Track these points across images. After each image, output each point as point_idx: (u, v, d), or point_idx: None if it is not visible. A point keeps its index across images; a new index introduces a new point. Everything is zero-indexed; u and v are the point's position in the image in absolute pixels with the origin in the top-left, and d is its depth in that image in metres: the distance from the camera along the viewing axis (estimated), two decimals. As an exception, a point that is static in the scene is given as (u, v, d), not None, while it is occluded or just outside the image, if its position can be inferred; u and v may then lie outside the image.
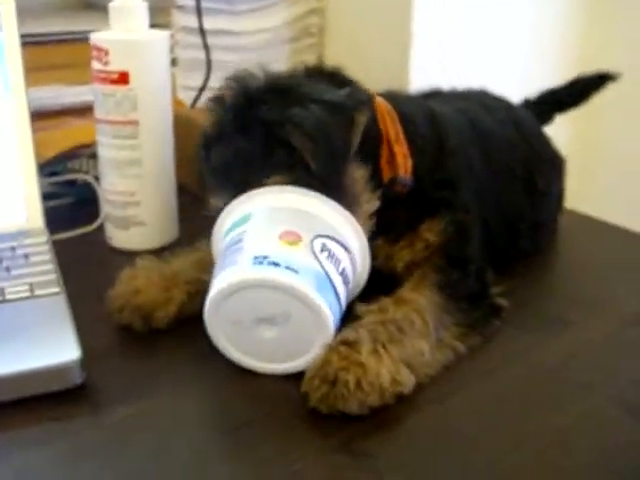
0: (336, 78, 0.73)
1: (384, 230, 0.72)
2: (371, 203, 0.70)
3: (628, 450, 0.56)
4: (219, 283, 0.60)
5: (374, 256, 0.69)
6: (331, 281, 0.61)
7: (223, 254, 0.63)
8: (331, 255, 0.62)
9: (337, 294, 0.61)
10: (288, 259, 0.59)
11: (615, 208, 1.10)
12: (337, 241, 0.63)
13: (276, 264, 0.59)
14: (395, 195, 0.72)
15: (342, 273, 0.63)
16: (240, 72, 0.72)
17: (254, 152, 0.67)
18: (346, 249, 0.64)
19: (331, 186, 0.66)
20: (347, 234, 0.65)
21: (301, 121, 0.66)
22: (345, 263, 0.63)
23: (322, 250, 0.61)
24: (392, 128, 0.73)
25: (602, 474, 0.54)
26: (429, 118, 0.77)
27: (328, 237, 0.63)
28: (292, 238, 0.61)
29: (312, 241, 0.61)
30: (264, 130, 0.67)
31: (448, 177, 0.75)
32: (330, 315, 0.60)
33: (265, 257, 0.59)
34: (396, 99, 0.76)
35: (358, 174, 0.69)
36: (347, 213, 0.64)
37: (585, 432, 0.58)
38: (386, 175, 0.72)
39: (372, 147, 0.71)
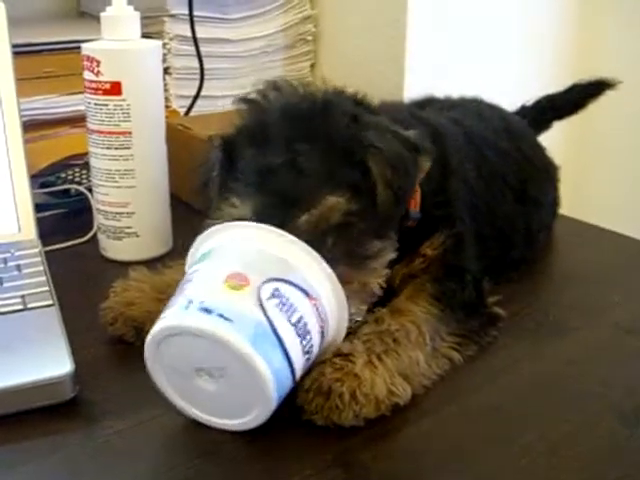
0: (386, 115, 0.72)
1: None
2: (393, 253, 0.68)
3: (624, 459, 0.56)
4: (152, 328, 0.55)
5: None
6: (276, 333, 0.53)
7: (176, 291, 0.58)
8: (283, 302, 0.54)
9: (284, 348, 0.53)
10: (224, 306, 0.53)
11: (610, 214, 1.10)
12: (296, 286, 0.56)
13: (208, 310, 0.52)
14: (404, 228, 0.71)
15: (297, 323, 0.55)
16: (276, 79, 0.71)
17: (316, 162, 0.63)
18: (307, 295, 0.56)
19: (387, 223, 0.66)
20: (313, 278, 0.57)
21: (383, 147, 0.64)
22: (304, 311, 0.55)
23: (272, 297, 0.54)
24: None
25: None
26: (433, 139, 0.75)
27: (283, 281, 0.55)
28: (238, 282, 0.54)
29: (261, 286, 0.54)
30: (334, 144, 0.64)
31: (448, 197, 0.75)
32: (268, 372, 0.52)
33: (200, 302, 0.53)
34: (399, 120, 0.74)
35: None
36: (316, 254, 0.57)
37: (581, 441, 0.58)
38: None
39: None
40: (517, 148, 0.87)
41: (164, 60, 1.15)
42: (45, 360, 0.61)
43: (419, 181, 0.69)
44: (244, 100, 0.71)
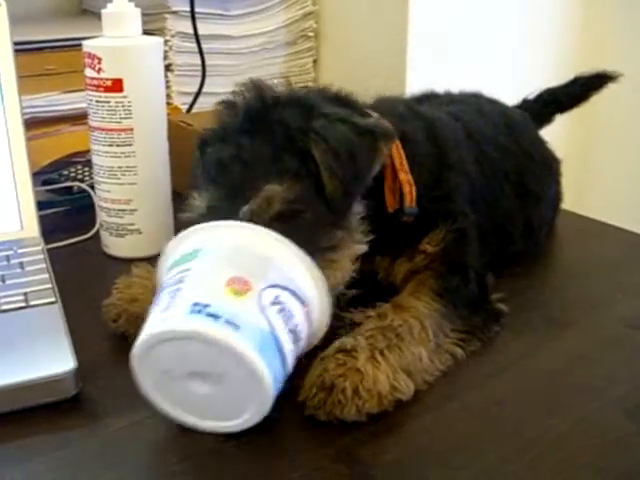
0: (354, 106, 0.71)
1: (384, 248, 0.71)
2: (359, 246, 0.67)
3: (628, 455, 0.56)
4: (149, 328, 0.53)
5: (374, 271, 0.69)
6: (278, 341, 0.53)
7: (161, 291, 0.56)
8: (283, 309, 0.54)
9: (283, 356, 0.54)
10: (231, 311, 0.52)
11: (614, 209, 1.10)
12: (293, 293, 0.55)
13: (215, 316, 0.51)
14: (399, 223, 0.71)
15: (293, 331, 0.55)
16: (256, 80, 0.71)
17: (260, 153, 0.64)
18: (302, 302, 0.56)
19: (336, 211, 0.65)
20: (306, 284, 0.57)
21: (327, 135, 0.64)
22: (298, 319, 0.55)
23: (273, 303, 0.54)
24: (397, 155, 0.70)
25: (602, 477, 0.54)
26: (429, 133, 0.76)
27: (283, 288, 0.55)
28: (240, 286, 0.53)
29: (262, 292, 0.54)
30: (279, 134, 0.65)
31: (447, 191, 0.74)
32: (271, 381, 0.52)
33: (205, 306, 0.52)
34: (395, 114, 0.75)
35: (356, 209, 0.67)
36: (309, 259, 0.57)
37: (585, 437, 0.57)
38: (390, 205, 0.70)
39: (375, 177, 0.68)
40: (517, 143, 0.87)
41: (165, 57, 1.15)
42: (48, 357, 0.61)
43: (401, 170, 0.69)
44: (222, 102, 0.72)
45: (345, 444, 0.56)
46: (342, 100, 0.72)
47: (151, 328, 0.53)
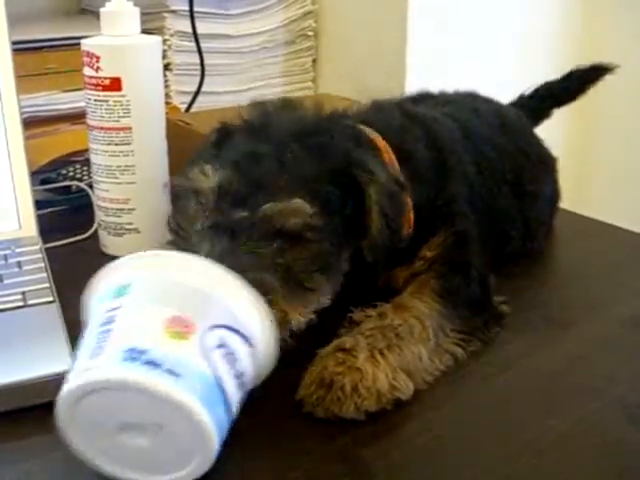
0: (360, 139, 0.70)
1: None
2: (328, 297, 0.65)
3: (628, 455, 0.56)
4: (75, 378, 0.48)
5: (374, 278, 0.69)
6: (222, 388, 0.49)
7: (89, 330, 0.51)
8: (228, 353, 0.50)
9: (227, 403, 0.49)
10: (171, 359, 0.47)
11: (612, 208, 1.10)
12: (238, 333, 0.51)
13: (154, 364, 0.46)
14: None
15: (238, 376, 0.50)
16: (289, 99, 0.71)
17: (303, 166, 0.62)
18: (248, 342, 0.51)
19: (372, 252, 0.65)
20: (251, 320, 0.52)
21: (382, 177, 0.64)
22: (245, 362, 0.51)
23: (218, 346, 0.49)
24: None
25: (601, 478, 0.54)
26: (428, 139, 0.76)
27: (227, 328, 0.50)
28: (180, 329, 0.48)
29: (205, 334, 0.49)
30: (324, 157, 0.63)
31: (448, 197, 0.74)
32: (215, 432, 0.48)
33: (142, 352, 0.47)
34: (393, 128, 0.74)
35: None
36: (251, 291, 0.52)
37: (584, 437, 0.57)
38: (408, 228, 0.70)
39: None
40: (513, 142, 0.87)
41: (164, 56, 1.15)
42: (45, 357, 0.60)
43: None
44: (257, 103, 0.71)
45: (344, 443, 0.56)
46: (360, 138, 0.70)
47: (78, 377, 0.48)
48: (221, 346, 0.49)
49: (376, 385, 0.57)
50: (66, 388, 0.48)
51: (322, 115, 0.69)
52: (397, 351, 0.60)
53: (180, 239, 0.63)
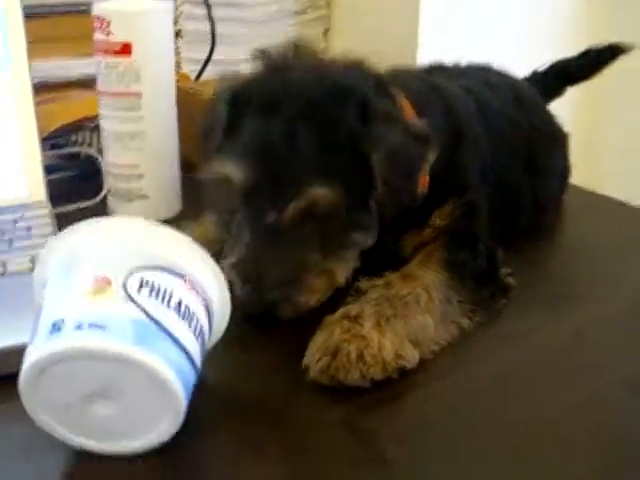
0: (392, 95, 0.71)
1: (391, 226, 0.71)
2: (370, 240, 0.68)
3: (634, 432, 0.56)
4: (26, 359, 0.48)
5: (382, 244, 0.69)
6: (160, 325, 0.47)
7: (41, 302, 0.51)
8: (155, 290, 0.48)
9: (174, 338, 0.48)
10: (92, 314, 0.46)
11: (623, 184, 1.09)
12: (162, 268, 0.50)
13: (77, 327, 0.46)
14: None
15: (178, 308, 0.49)
16: (301, 45, 0.70)
17: (314, 147, 0.63)
18: (177, 274, 0.50)
19: (373, 217, 0.66)
20: (176, 253, 0.51)
21: (386, 142, 0.64)
22: (180, 293, 0.50)
23: (141, 287, 0.48)
24: None
25: (607, 454, 0.54)
26: (444, 107, 0.76)
27: (149, 268, 0.49)
28: (98, 285, 0.48)
29: (125, 281, 0.48)
30: (335, 131, 0.64)
31: (460, 166, 0.74)
32: (168, 372, 0.47)
33: (62, 321, 0.46)
34: (412, 89, 0.74)
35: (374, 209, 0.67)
36: (177, 232, 0.52)
37: (591, 412, 0.57)
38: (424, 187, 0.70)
39: None
40: (526, 116, 0.86)
41: (175, 23, 1.14)
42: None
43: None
44: (262, 56, 0.70)
45: (349, 411, 0.56)
46: (383, 87, 0.70)
47: (31, 356, 0.47)
48: (145, 286, 0.48)
49: (382, 353, 0.58)
50: (20, 375, 0.48)
51: (332, 78, 0.68)
52: (403, 320, 0.61)
53: (224, 222, 0.69)
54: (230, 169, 0.64)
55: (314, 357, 0.58)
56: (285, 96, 0.65)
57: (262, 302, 0.63)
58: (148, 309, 0.48)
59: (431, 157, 0.67)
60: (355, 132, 0.64)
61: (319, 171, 0.63)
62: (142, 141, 0.82)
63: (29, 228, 0.76)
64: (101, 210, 0.87)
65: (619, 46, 1.00)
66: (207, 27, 1.21)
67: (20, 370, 0.47)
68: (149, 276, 0.49)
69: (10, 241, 0.73)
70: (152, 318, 0.47)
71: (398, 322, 0.60)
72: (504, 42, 1.34)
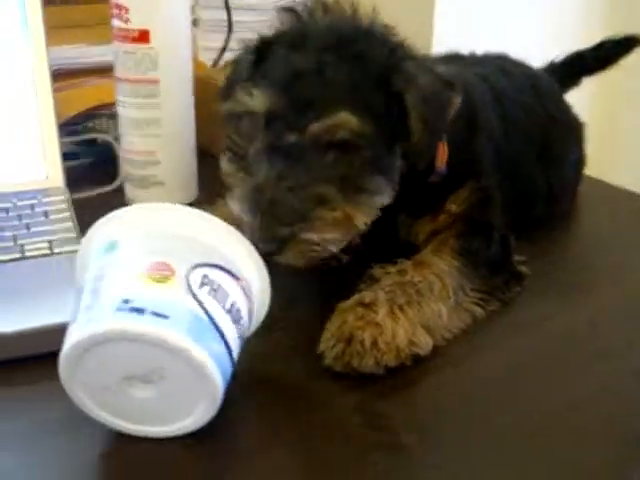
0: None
1: (407, 207, 0.71)
2: (389, 197, 0.66)
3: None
4: (73, 335, 0.48)
5: (395, 230, 0.68)
6: (214, 323, 0.49)
7: (82, 291, 0.51)
8: (215, 289, 0.50)
9: (224, 337, 0.50)
10: (156, 302, 0.48)
11: (638, 176, 1.09)
12: (223, 269, 0.51)
13: (140, 310, 0.47)
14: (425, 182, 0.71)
15: (230, 310, 0.51)
16: (328, 2, 0.69)
17: (343, 77, 0.62)
18: (235, 277, 0.52)
19: (418, 155, 0.65)
20: (236, 256, 0.53)
21: (419, 79, 0.64)
22: (235, 296, 0.52)
23: (202, 284, 0.49)
24: None
25: (620, 444, 0.54)
26: (462, 95, 0.76)
27: (210, 265, 0.51)
28: (162, 272, 0.49)
29: (189, 274, 0.49)
30: (366, 66, 0.63)
31: (475, 153, 0.74)
32: (212, 364, 0.48)
33: (126, 301, 0.47)
34: None
35: (397, 163, 0.66)
36: (233, 229, 0.53)
37: (601, 400, 0.58)
38: (442, 162, 0.70)
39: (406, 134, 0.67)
40: (542, 106, 0.86)
41: (192, 11, 1.14)
42: (70, 303, 0.61)
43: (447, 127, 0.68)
44: (288, 9, 0.70)
45: (363, 396, 0.56)
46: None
47: (75, 335, 0.48)
48: (206, 284, 0.50)
49: (395, 340, 0.58)
50: (65, 348, 0.48)
51: (360, 22, 0.68)
52: (417, 307, 0.61)
53: (238, 158, 0.66)
54: (255, 95, 0.63)
55: (329, 344, 0.58)
56: (314, 32, 0.65)
57: (273, 237, 0.60)
58: (206, 306, 0.49)
59: (456, 103, 0.67)
60: (387, 69, 0.64)
61: (347, 100, 0.62)
62: (159, 128, 0.83)
63: (46, 213, 0.76)
64: (117, 196, 0.88)
65: (635, 38, 1.00)
66: (223, 15, 1.21)
67: (60, 349, 0.48)
68: (211, 274, 0.50)
69: (28, 225, 0.74)
70: (209, 315, 0.49)
71: (411, 309, 0.61)
72: (520, 32, 1.33)
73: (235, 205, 0.62)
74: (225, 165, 0.68)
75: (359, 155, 0.62)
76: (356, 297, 0.61)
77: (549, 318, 0.68)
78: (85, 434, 0.52)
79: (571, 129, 0.91)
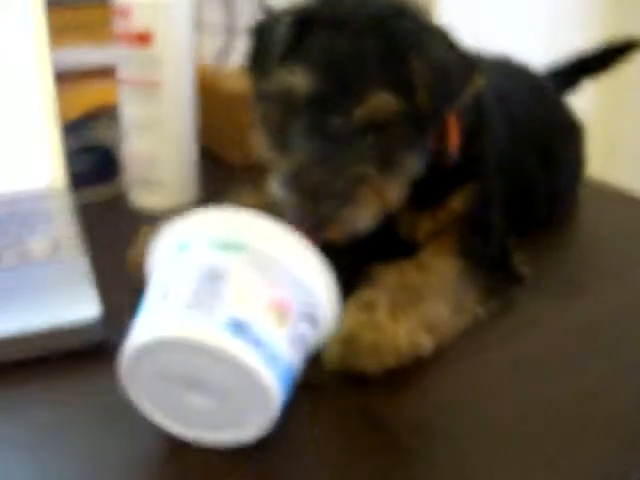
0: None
1: (410, 198, 0.71)
2: (421, 171, 0.67)
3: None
4: (165, 328, 0.46)
5: (396, 226, 0.69)
6: (293, 375, 0.50)
7: (169, 277, 0.49)
8: (303, 340, 0.50)
9: (291, 368, 0.50)
10: (272, 343, 0.47)
11: (638, 177, 1.09)
12: (311, 319, 0.51)
13: (257, 343, 0.46)
14: (435, 168, 0.70)
15: (302, 339, 0.50)
16: None
17: (376, 57, 0.63)
18: (315, 324, 0.52)
19: (422, 131, 0.66)
20: (324, 303, 0.52)
21: (431, 50, 0.64)
22: (309, 345, 0.52)
23: (300, 337, 0.50)
24: None
25: (619, 440, 0.54)
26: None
27: (307, 317, 0.50)
28: (283, 312, 0.48)
29: (297, 323, 0.49)
30: (395, 44, 0.64)
31: (479, 151, 0.75)
32: (278, 388, 0.48)
33: (247, 327, 0.46)
34: None
35: (422, 145, 0.67)
36: (319, 262, 0.51)
37: (603, 398, 0.58)
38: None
39: None
40: (543, 107, 0.87)
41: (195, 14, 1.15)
42: (73, 304, 0.62)
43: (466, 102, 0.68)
44: None
45: (363, 397, 0.56)
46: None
47: (165, 330, 0.46)
48: (302, 337, 0.50)
49: (396, 342, 0.58)
50: (146, 337, 0.47)
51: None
52: (417, 308, 0.61)
53: (272, 137, 0.67)
54: (296, 75, 0.63)
55: (329, 344, 0.58)
56: (351, 10, 0.66)
57: (317, 216, 0.61)
58: (295, 360, 0.49)
59: (480, 83, 0.67)
60: (410, 42, 0.64)
61: (386, 81, 0.62)
62: (160, 129, 0.83)
63: (49, 214, 0.77)
64: (119, 197, 0.88)
65: (637, 41, 1.00)
66: (226, 19, 1.21)
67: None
68: (307, 329, 0.50)
69: (31, 227, 0.74)
70: (292, 370, 0.50)
71: (412, 310, 0.61)
72: (523, 34, 1.33)
73: (276, 186, 0.63)
74: (260, 144, 0.69)
75: (395, 133, 0.64)
76: (356, 297, 0.61)
77: (549, 318, 0.68)
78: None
79: (572, 131, 0.92)
